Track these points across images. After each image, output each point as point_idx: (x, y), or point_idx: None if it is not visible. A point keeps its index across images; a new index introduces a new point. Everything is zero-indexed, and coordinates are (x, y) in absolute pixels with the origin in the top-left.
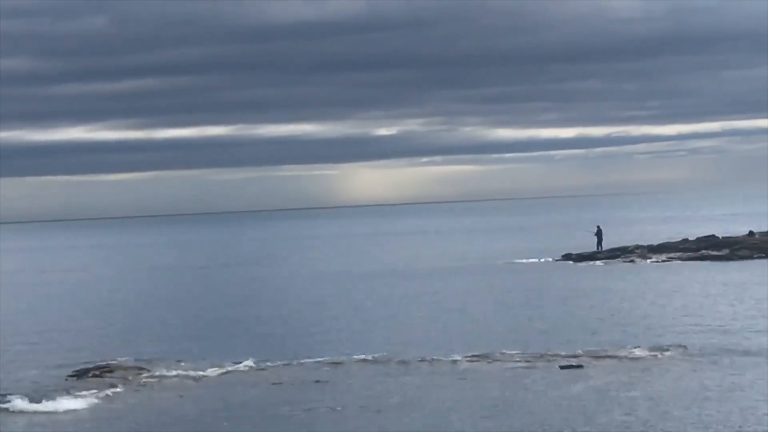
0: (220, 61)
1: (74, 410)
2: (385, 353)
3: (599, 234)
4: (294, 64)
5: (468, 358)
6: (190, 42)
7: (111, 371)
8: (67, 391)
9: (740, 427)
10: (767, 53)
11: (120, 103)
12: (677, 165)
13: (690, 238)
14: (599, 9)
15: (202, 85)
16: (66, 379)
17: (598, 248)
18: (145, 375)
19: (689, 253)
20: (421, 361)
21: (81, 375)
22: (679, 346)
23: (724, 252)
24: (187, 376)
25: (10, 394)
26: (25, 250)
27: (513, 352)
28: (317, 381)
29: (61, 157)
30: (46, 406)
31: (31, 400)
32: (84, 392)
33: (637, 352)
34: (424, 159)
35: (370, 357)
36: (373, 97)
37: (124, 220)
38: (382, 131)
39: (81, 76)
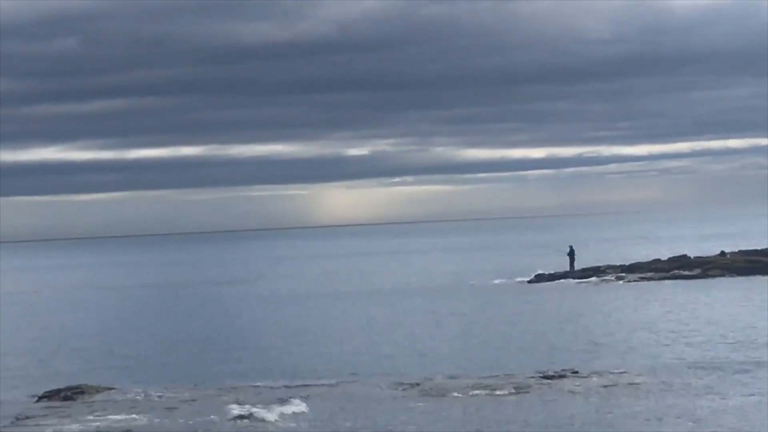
0: (192, 82)
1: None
2: (339, 377)
3: (571, 254)
4: (265, 85)
5: (410, 385)
6: (162, 63)
7: (82, 392)
8: (37, 414)
9: None
10: (736, 74)
11: (92, 124)
12: (648, 185)
13: (662, 258)
14: (569, 30)
15: (174, 105)
16: (37, 401)
17: (570, 268)
18: (115, 396)
19: (661, 273)
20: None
21: (51, 397)
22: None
23: (696, 272)
24: (159, 398)
25: None
26: None
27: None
28: (281, 400)
29: (33, 178)
30: (17, 426)
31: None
32: (54, 414)
33: (594, 378)
34: (396, 179)
35: (329, 381)
36: (344, 117)
37: (96, 240)
38: (354, 151)
39: (53, 96)
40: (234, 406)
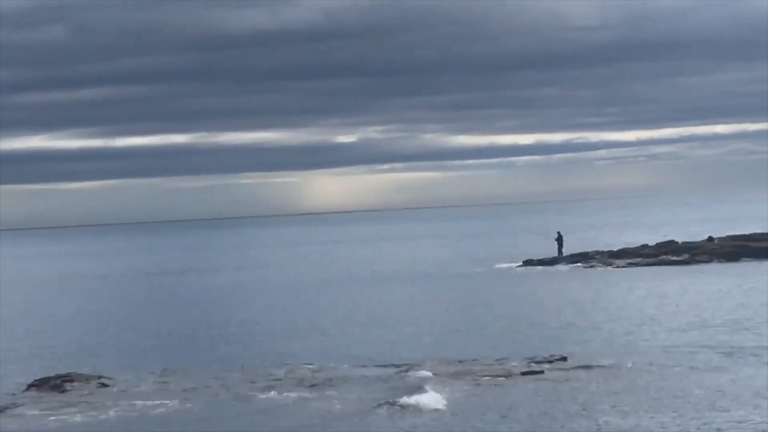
0: (180, 69)
1: (37, 419)
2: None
3: (560, 240)
4: (253, 73)
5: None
6: (150, 51)
7: (72, 380)
8: (26, 402)
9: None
10: (723, 60)
11: (80, 112)
12: (636, 171)
13: (650, 244)
14: (556, 17)
15: (162, 93)
16: (26, 389)
17: (558, 254)
18: (106, 385)
19: (649, 259)
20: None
21: (41, 385)
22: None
23: (684, 257)
24: (151, 386)
25: None
26: None
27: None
28: (265, 388)
29: (21, 166)
30: (6, 415)
31: None
32: (43, 403)
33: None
34: (385, 166)
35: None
36: (332, 104)
37: (84, 229)
38: (342, 139)
39: (41, 85)
40: (222, 390)
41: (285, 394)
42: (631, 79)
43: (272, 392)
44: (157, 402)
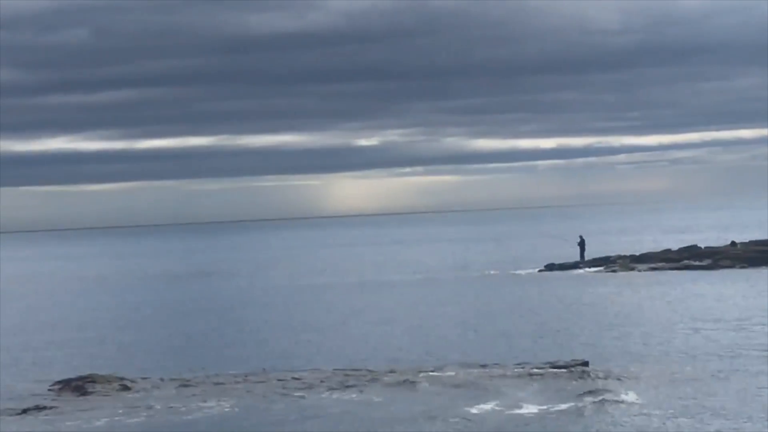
0: (201, 72)
1: (59, 421)
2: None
3: (582, 244)
4: (275, 76)
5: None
6: (171, 53)
7: (93, 382)
8: (49, 404)
9: None
10: (745, 64)
11: (102, 114)
12: (659, 175)
13: (672, 248)
14: (577, 20)
15: (184, 96)
16: (48, 390)
17: (580, 258)
18: (127, 387)
19: (671, 263)
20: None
21: (62, 386)
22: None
23: (707, 262)
24: (173, 389)
25: None
26: (6, 261)
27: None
28: (284, 394)
29: (43, 168)
30: (28, 416)
31: (13, 412)
32: (67, 405)
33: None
34: (406, 169)
35: (336, 367)
36: (354, 108)
37: (105, 231)
38: (364, 142)
39: (62, 87)
40: (247, 393)
41: (324, 395)
42: (653, 83)
43: (323, 393)
44: (180, 406)
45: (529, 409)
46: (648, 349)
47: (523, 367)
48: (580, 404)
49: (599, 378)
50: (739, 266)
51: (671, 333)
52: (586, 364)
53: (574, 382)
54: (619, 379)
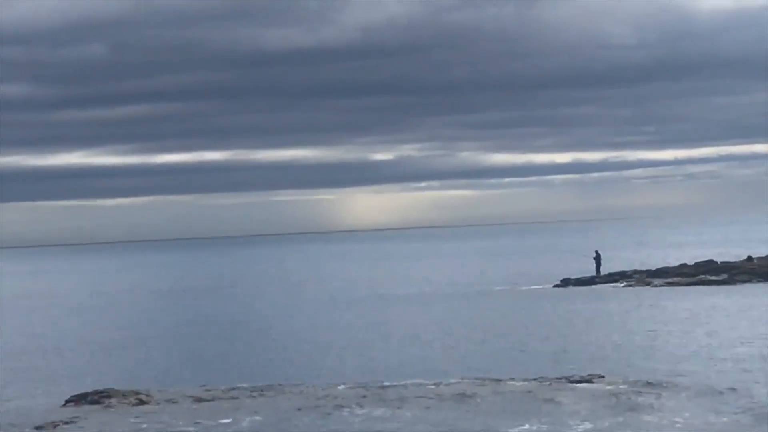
0: (217, 87)
1: None
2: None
3: (598, 259)
4: (290, 90)
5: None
6: (187, 68)
7: (109, 397)
8: (65, 419)
9: None
10: (761, 79)
11: (118, 129)
12: (674, 190)
13: (688, 263)
14: (592, 35)
15: (199, 110)
16: (64, 405)
17: (596, 273)
18: (144, 402)
19: (688, 278)
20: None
21: (78, 401)
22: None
23: (723, 277)
24: (190, 404)
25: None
26: (24, 275)
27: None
28: (299, 409)
29: (59, 182)
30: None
31: (27, 427)
32: (83, 419)
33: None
34: (422, 184)
35: (359, 382)
36: (369, 122)
37: (121, 245)
38: (379, 156)
39: (79, 102)
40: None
41: (346, 411)
42: (668, 97)
43: (348, 409)
44: (198, 420)
45: (582, 426)
46: (663, 361)
47: (540, 381)
48: (621, 419)
49: (630, 392)
50: (756, 281)
51: (686, 346)
52: (602, 377)
53: (603, 398)
54: (650, 393)
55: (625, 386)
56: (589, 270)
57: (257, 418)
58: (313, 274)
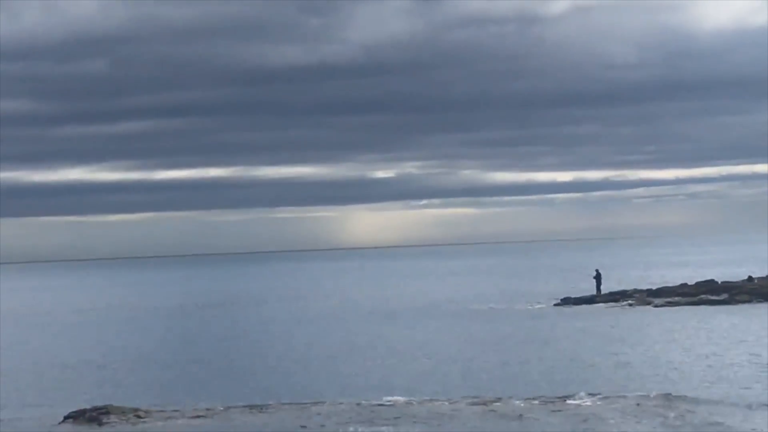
0: (219, 103)
1: None
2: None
3: (598, 278)
4: (292, 107)
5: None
6: (189, 85)
7: (107, 414)
8: None
9: None
10: (762, 99)
11: (119, 145)
12: (676, 209)
13: (689, 283)
14: (594, 55)
15: (201, 127)
16: (62, 421)
17: (597, 292)
18: (142, 418)
19: (688, 298)
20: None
21: (77, 417)
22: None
23: (723, 297)
24: (189, 420)
25: None
26: (25, 291)
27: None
28: (303, 426)
29: (61, 198)
30: None
31: None
32: None
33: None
34: (422, 202)
35: (357, 401)
36: (370, 140)
37: (122, 261)
38: (380, 174)
39: (81, 117)
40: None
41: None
42: (670, 117)
43: (349, 428)
44: None
45: None
46: (663, 382)
47: (531, 401)
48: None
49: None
50: (756, 301)
51: (686, 367)
52: (606, 397)
53: (595, 418)
54: (633, 411)
55: (619, 404)
56: (590, 289)
57: None
58: (313, 291)
